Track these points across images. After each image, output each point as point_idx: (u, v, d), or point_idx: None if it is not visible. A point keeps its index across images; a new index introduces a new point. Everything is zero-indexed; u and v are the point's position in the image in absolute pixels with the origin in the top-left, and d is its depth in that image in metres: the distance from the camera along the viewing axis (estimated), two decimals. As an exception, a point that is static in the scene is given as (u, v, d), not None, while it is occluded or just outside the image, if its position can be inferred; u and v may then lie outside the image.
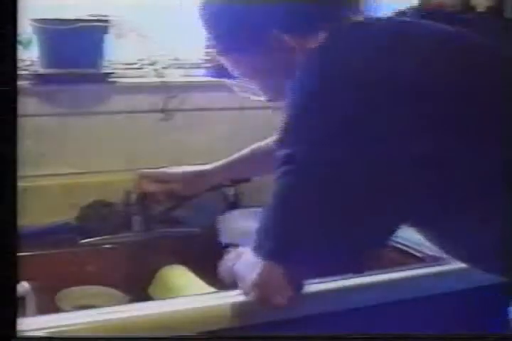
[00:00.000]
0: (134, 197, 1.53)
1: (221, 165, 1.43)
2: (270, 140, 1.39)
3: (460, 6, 1.64)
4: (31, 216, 1.29)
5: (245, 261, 1.02)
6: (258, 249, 0.96)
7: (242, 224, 1.47)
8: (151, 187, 1.43)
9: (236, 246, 1.40)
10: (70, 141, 1.60)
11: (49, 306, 1.26)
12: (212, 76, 1.77)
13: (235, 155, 1.43)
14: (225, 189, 1.54)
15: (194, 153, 1.69)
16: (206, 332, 1.02)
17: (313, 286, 1.12)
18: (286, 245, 0.93)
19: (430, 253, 1.29)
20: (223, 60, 1.09)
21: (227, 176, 1.47)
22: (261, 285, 0.96)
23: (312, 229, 0.91)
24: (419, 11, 1.05)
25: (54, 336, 0.94)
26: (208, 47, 1.76)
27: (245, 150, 1.43)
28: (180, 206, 1.55)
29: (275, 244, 0.93)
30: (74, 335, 0.96)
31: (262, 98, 1.12)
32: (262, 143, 1.40)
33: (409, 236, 1.22)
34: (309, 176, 0.89)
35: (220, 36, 1.07)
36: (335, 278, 1.16)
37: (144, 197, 1.53)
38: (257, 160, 1.42)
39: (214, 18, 1.05)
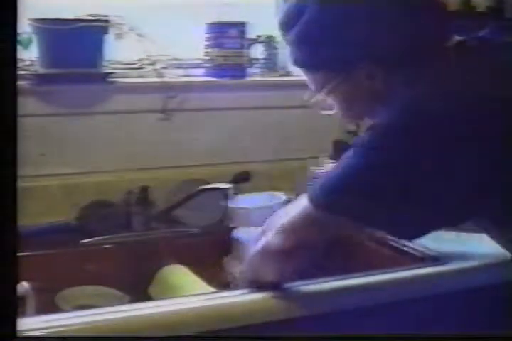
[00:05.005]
0: (134, 197, 1.53)
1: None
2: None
3: (460, 6, 1.64)
4: (31, 216, 1.29)
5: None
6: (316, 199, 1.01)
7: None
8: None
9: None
10: (70, 141, 1.60)
11: (49, 306, 1.26)
12: (212, 76, 1.77)
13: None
14: (225, 189, 1.54)
15: (194, 153, 1.69)
16: (206, 332, 1.02)
17: (314, 286, 1.13)
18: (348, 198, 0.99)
19: (430, 253, 1.29)
20: (304, 73, 1.11)
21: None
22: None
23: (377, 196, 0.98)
24: None
25: (54, 336, 0.94)
26: (207, 47, 1.76)
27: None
28: (180, 206, 1.55)
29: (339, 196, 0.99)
30: (74, 335, 0.96)
31: (334, 112, 1.14)
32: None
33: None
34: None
35: (313, 52, 1.07)
36: (335, 278, 1.16)
37: (145, 197, 1.54)
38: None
39: (313, 34, 1.05)
